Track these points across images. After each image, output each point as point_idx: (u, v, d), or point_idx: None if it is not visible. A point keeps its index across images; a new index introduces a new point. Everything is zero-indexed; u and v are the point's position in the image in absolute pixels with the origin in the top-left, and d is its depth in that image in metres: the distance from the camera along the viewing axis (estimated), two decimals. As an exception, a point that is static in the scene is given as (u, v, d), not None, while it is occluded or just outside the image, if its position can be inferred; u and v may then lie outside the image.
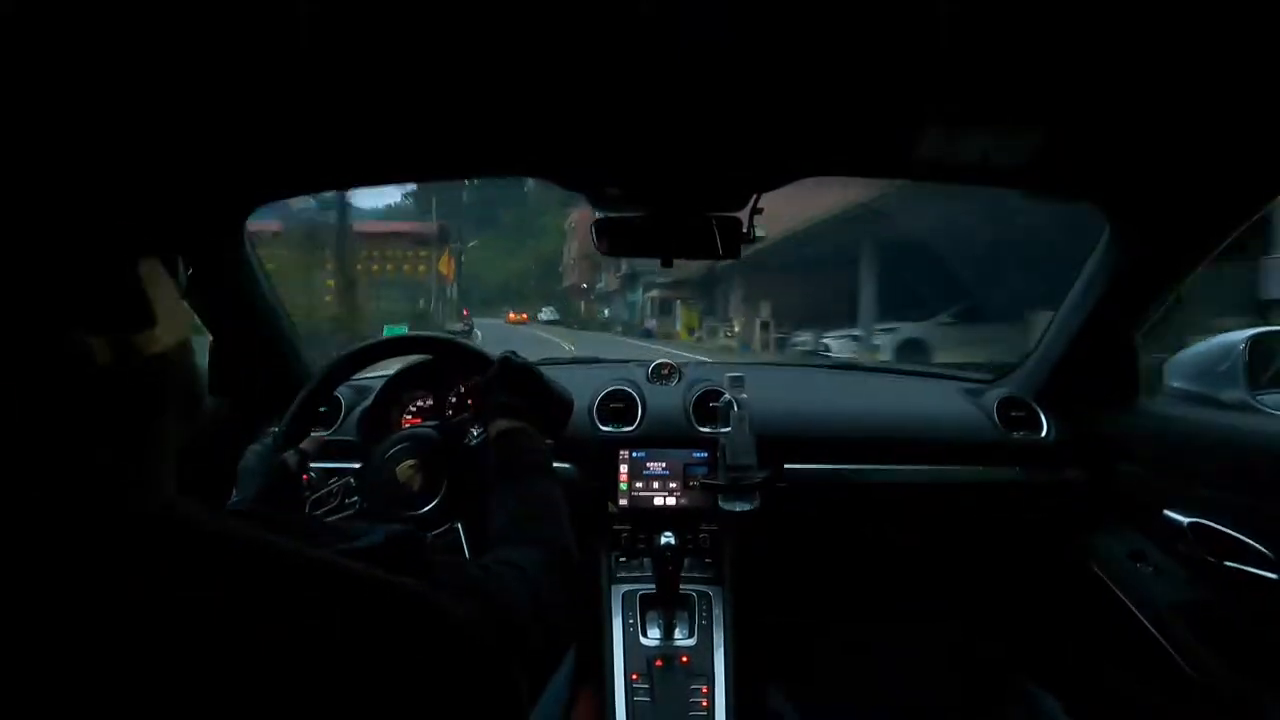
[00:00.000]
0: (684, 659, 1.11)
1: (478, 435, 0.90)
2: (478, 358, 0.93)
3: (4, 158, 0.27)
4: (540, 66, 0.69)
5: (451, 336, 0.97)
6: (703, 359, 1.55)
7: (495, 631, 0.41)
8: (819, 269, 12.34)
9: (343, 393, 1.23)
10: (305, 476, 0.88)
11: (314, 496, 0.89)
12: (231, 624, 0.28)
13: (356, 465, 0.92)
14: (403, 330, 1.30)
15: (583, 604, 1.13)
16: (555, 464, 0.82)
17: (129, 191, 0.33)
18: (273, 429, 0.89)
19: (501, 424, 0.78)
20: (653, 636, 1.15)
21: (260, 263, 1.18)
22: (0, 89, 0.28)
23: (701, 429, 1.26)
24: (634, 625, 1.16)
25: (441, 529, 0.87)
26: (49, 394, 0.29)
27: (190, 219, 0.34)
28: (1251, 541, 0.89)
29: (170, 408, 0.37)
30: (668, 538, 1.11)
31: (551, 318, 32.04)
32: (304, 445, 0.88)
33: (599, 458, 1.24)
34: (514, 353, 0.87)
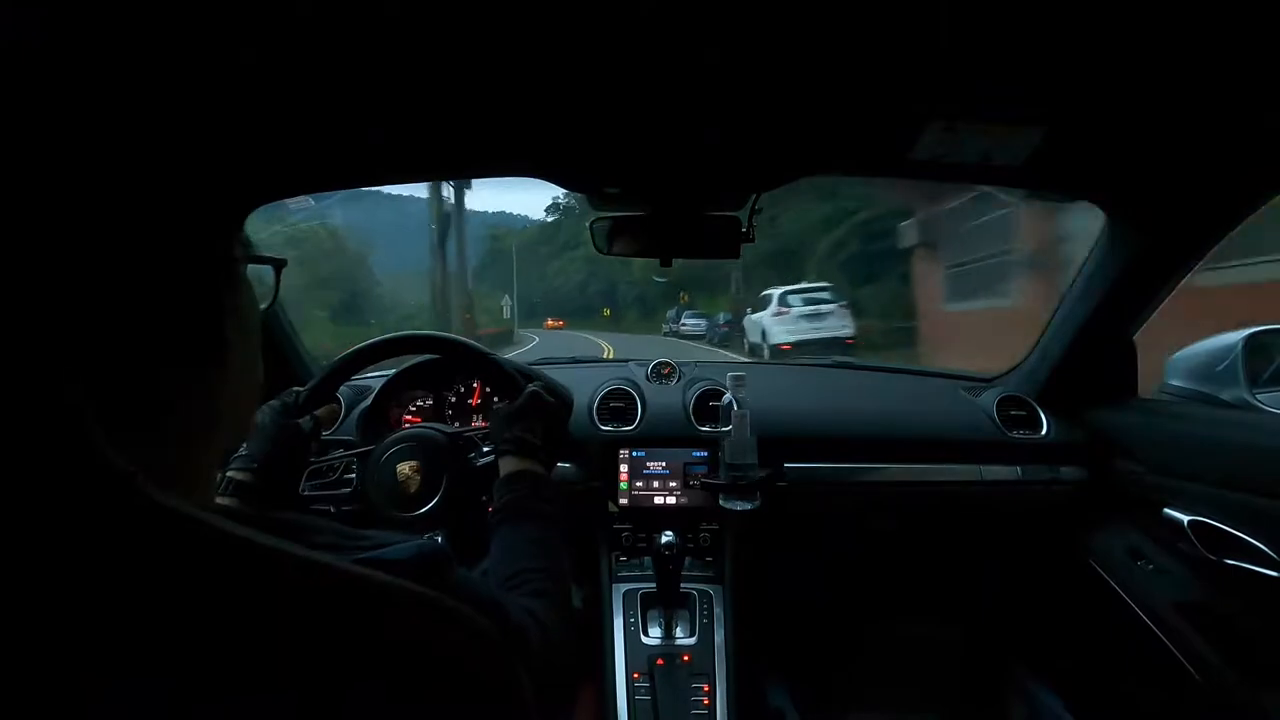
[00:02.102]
0: (685, 658, 1.11)
1: (486, 455, 0.90)
2: (507, 379, 0.92)
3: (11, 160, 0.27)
4: (540, 66, 0.69)
5: (485, 350, 0.96)
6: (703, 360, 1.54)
7: (514, 650, 0.42)
8: None
9: (342, 392, 1.23)
10: (313, 444, 0.90)
11: (315, 465, 0.90)
12: (244, 627, 0.28)
13: (360, 449, 0.93)
14: None
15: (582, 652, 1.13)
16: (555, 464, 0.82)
17: (131, 192, 0.33)
18: (295, 389, 0.89)
19: (516, 462, 0.79)
20: (654, 635, 1.15)
21: None
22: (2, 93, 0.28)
23: (701, 428, 1.26)
24: (635, 624, 1.16)
25: (429, 534, 0.87)
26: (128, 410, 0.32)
27: (189, 221, 0.34)
28: (1252, 539, 0.89)
29: (227, 429, 0.40)
30: (668, 537, 1.11)
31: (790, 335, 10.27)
32: (320, 413, 0.90)
33: (599, 457, 1.24)
34: (545, 389, 0.87)
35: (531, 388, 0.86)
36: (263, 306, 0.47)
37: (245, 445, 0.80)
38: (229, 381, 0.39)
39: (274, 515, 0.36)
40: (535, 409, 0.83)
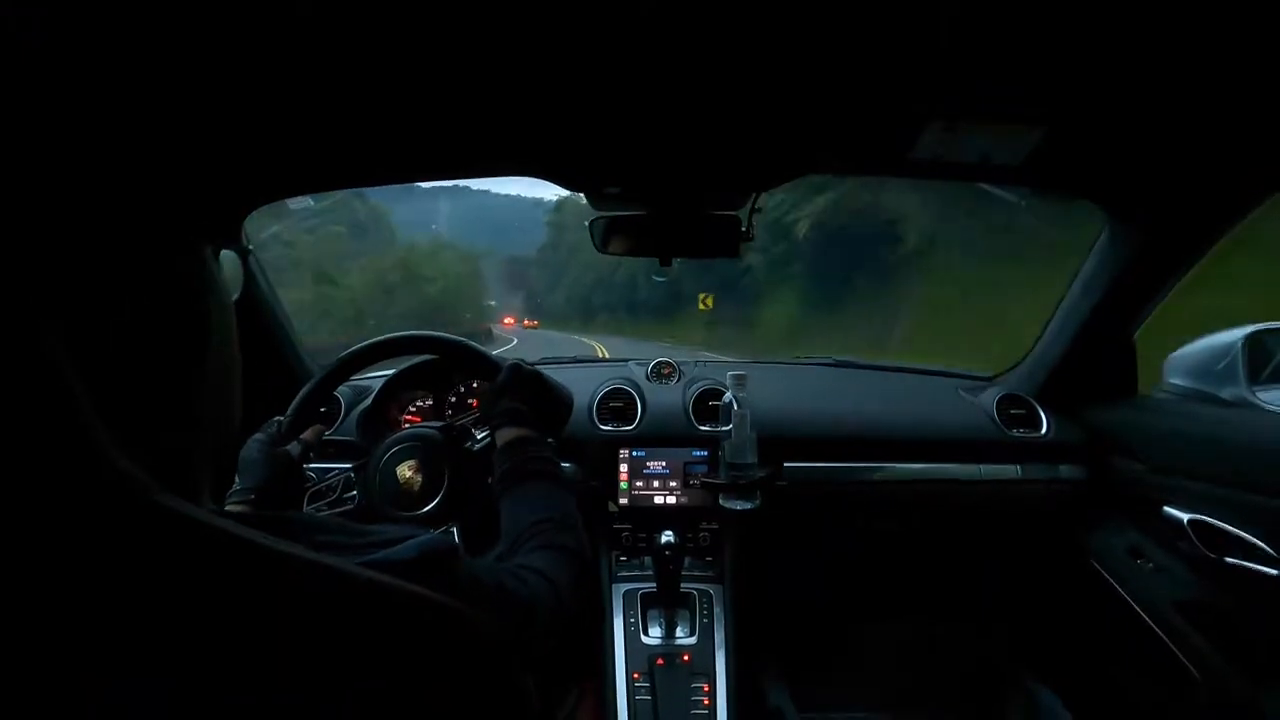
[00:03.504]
0: (685, 657, 1.12)
1: (481, 439, 0.90)
2: (485, 361, 0.93)
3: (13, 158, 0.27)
4: (540, 66, 0.69)
5: (460, 339, 0.97)
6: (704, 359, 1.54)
7: (519, 641, 0.42)
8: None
9: (342, 392, 1.23)
10: (306, 468, 0.89)
11: (313, 488, 0.90)
12: (244, 628, 0.28)
13: (357, 462, 0.93)
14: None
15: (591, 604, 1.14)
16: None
17: (132, 193, 0.33)
18: (276, 419, 0.89)
19: (510, 431, 0.79)
20: (654, 635, 1.15)
21: (260, 264, 1.18)
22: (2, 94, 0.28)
23: (701, 428, 1.26)
24: (635, 624, 1.16)
25: (439, 530, 0.87)
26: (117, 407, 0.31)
27: (188, 221, 0.34)
28: (1251, 538, 0.89)
29: (209, 425, 0.39)
30: (668, 536, 1.11)
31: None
32: (306, 436, 0.89)
33: (599, 457, 1.24)
34: (523, 360, 0.87)
35: (510, 361, 0.87)
36: (234, 297, 0.46)
37: (239, 479, 0.80)
38: (208, 375, 0.39)
39: (277, 514, 0.36)
40: (518, 380, 0.84)
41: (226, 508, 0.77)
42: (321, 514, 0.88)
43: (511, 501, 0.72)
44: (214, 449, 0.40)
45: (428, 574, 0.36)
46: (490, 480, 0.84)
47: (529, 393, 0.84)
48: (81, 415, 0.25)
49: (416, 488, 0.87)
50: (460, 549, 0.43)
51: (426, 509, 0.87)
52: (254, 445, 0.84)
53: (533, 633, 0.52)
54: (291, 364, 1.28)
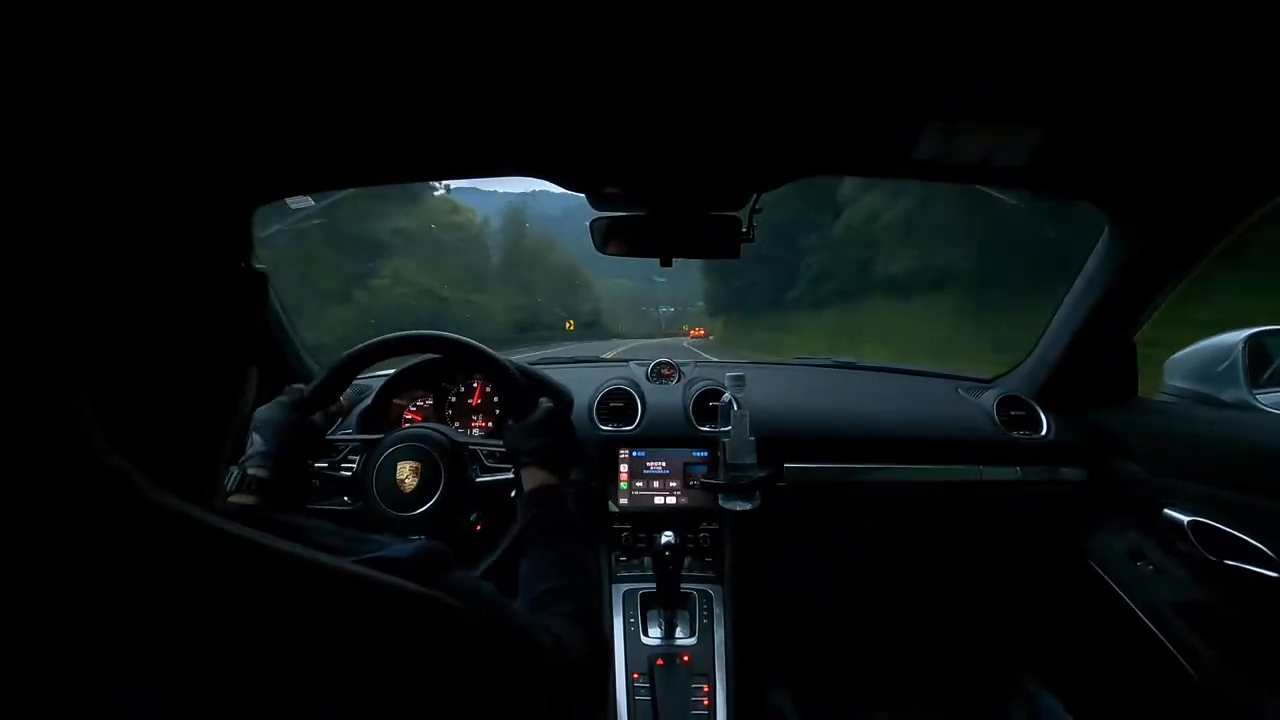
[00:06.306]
0: (685, 658, 1.11)
1: (488, 472, 0.92)
2: (519, 392, 0.94)
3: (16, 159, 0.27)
4: (540, 66, 0.69)
5: (495, 354, 0.96)
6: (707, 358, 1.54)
7: (519, 648, 0.42)
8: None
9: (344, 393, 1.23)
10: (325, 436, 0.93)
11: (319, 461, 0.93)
12: (243, 626, 0.28)
13: (370, 436, 0.95)
14: None
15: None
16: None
17: (131, 196, 0.33)
18: (297, 385, 0.91)
19: (536, 474, 0.81)
20: (654, 635, 1.15)
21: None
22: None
23: (701, 428, 1.26)
24: (635, 624, 1.16)
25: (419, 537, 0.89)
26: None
27: (189, 222, 0.34)
28: (1252, 540, 0.89)
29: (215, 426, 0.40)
30: (668, 537, 1.11)
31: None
32: (332, 408, 0.93)
33: (599, 457, 1.24)
34: (562, 397, 0.89)
35: (545, 402, 0.89)
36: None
37: (260, 441, 0.81)
38: (215, 377, 0.39)
39: (279, 517, 0.36)
40: (551, 423, 0.86)
41: (248, 471, 0.78)
42: (317, 516, 0.89)
43: (534, 558, 0.71)
44: (219, 449, 0.41)
45: (422, 574, 0.36)
46: (474, 517, 0.87)
47: (557, 437, 0.86)
48: (74, 412, 0.25)
49: (410, 489, 0.88)
50: (452, 556, 0.43)
51: (412, 513, 0.87)
52: (276, 409, 0.85)
53: (542, 666, 0.51)
54: (291, 364, 1.29)
